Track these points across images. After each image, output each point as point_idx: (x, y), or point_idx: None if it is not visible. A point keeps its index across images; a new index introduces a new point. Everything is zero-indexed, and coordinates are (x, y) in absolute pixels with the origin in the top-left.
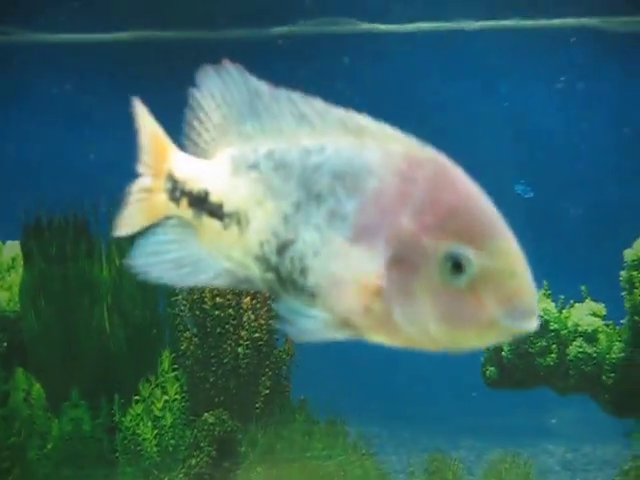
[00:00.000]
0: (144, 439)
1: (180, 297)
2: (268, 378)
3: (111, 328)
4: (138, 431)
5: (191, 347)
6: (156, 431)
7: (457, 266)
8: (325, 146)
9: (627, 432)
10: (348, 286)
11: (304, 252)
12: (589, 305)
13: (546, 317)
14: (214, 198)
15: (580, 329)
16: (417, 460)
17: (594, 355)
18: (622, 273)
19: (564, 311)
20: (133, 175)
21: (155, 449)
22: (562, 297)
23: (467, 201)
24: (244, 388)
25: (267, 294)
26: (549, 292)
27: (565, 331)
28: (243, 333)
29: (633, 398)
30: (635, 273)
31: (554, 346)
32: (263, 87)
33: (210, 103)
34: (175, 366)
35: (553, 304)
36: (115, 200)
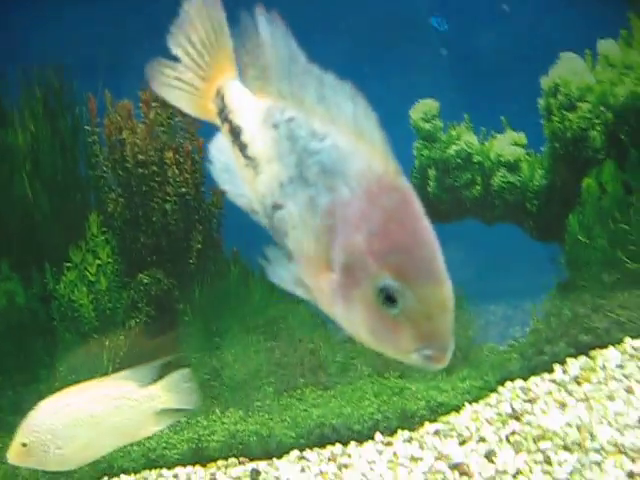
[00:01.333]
0: (80, 305)
1: (101, 158)
2: (199, 233)
3: (34, 196)
4: (73, 297)
5: (118, 208)
6: (92, 296)
7: (389, 298)
8: (326, 136)
9: (553, 257)
10: (309, 264)
11: (287, 220)
12: (510, 135)
13: (469, 150)
14: (244, 138)
15: (502, 159)
16: None
17: (517, 184)
18: (539, 101)
19: (486, 143)
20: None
21: (93, 314)
22: (483, 129)
23: (414, 241)
24: (176, 245)
25: (189, 148)
26: (470, 125)
27: (488, 162)
28: (169, 189)
29: (556, 223)
30: (552, 100)
31: (478, 178)
32: (300, 56)
33: (259, 46)
34: (104, 229)
35: (475, 137)
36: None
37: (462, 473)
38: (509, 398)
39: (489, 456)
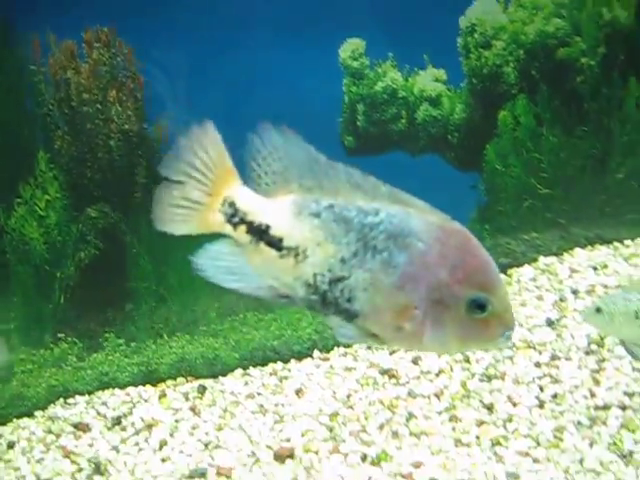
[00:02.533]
0: (31, 238)
1: (47, 97)
2: (143, 168)
3: None
4: (24, 231)
5: (65, 145)
6: (42, 230)
7: (481, 306)
8: (379, 210)
9: (473, 184)
10: (387, 313)
11: (355, 286)
12: (431, 72)
13: (394, 86)
14: (275, 232)
15: (425, 94)
16: None
17: (439, 117)
18: (458, 40)
19: (410, 79)
20: None
21: (43, 247)
22: (407, 66)
23: (482, 263)
24: (121, 180)
25: (131, 86)
26: (394, 63)
27: (412, 97)
28: (113, 126)
29: (475, 153)
30: (470, 39)
31: (403, 112)
32: (320, 156)
33: (272, 154)
34: (52, 166)
35: (399, 74)
36: None
37: (391, 376)
38: None
39: (415, 361)
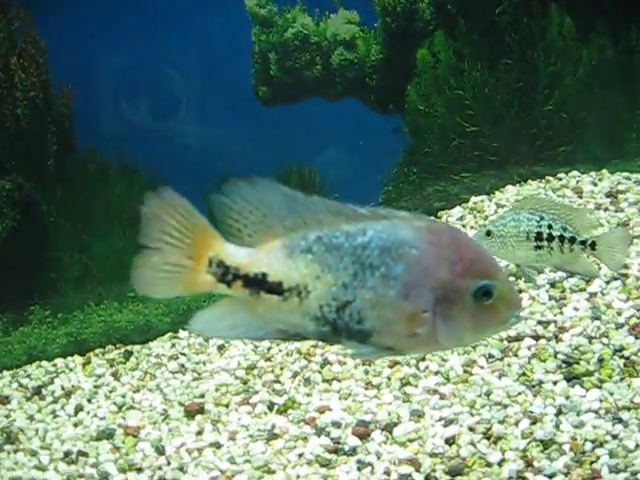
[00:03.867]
0: None
1: None
2: (53, 134)
3: None
4: None
5: None
6: None
7: (487, 293)
8: (366, 229)
9: (395, 128)
10: (399, 325)
11: (362, 307)
12: (343, 14)
13: (305, 32)
14: (273, 278)
15: (339, 38)
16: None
17: (355, 61)
18: None
19: (321, 24)
20: None
21: None
22: (317, 10)
23: (477, 252)
24: (32, 149)
25: (32, 52)
26: (304, 7)
27: (325, 42)
28: (18, 94)
29: (395, 95)
30: None
31: (318, 58)
32: (296, 193)
33: (247, 206)
34: None
35: (310, 18)
36: None
37: None
38: None
39: None
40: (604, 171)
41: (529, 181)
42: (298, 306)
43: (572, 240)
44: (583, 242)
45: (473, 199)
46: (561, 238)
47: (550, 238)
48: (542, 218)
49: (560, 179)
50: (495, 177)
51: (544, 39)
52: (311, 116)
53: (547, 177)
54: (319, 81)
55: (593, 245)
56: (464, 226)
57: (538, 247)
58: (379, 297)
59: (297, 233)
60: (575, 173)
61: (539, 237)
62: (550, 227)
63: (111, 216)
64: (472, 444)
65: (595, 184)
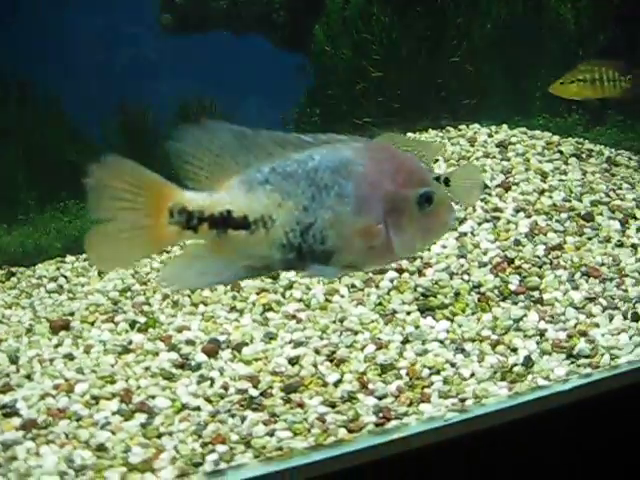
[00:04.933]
0: None
1: None
2: None
3: None
4: None
5: None
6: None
7: (428, 199)
8: (313, 154)
9: (299, 64)
10: (357, 239)
11: (323, 226)
12: None
13: None
14: (237, 214)
15: None
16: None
17: None
18: None
19: None
20: None
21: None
22: None
23: (413, 163)
24: None
25: None
26: None
27: None
28: None
29: (302, 34)
30: None
31: None
32: (244, 129)
33: (198, 149)
34: None
35: None
36: None
37: None
38: None
39: None
40: (504, 126)
41: (429, 130)
42: (265, 237)
43: None
44: (437, 178)
45: None
46: None
47: None
48: None
49: (460, 130)
50: (397, 125)
51: None
52: (214, 48)
53: (448, 128)
54: (225, 13)
55: (447, 181)
56: None
57: None
58: (337, 215)
59: (251, 168)
60: (476, 126)
61: None
62: None
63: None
64: (314, 365)
65: (491, 135)
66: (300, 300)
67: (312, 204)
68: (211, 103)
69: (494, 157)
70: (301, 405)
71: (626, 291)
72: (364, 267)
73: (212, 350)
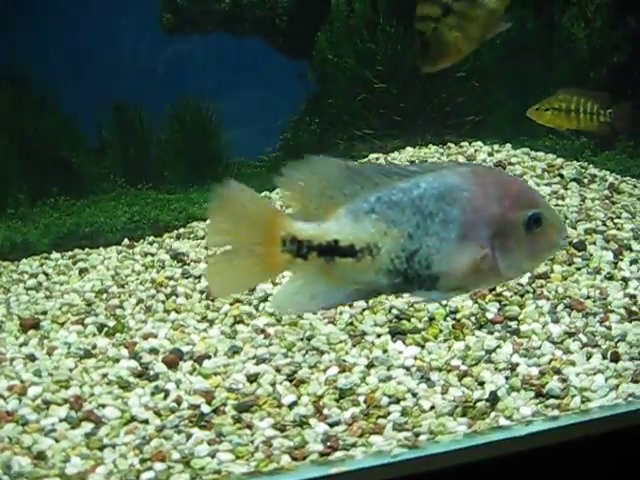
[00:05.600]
0: None
1: None
2: None
3: None
4: None
5: None
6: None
7: (537, 221)
8: (419, 182)
9: (302, 73)
10: (463, 264)
11: (428, 253)
12: None
13: None
14: (344, 243)
15: None
16: None
17: None
18: None
19: None
20: None
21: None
22: None
23: (520, 185)
24: None
25: None
26: None
27: None
28: None
29: (305, 40)
30: None
31: None
32: (349, 162)
33: (307, 183)
34: None
35: None
36: None
37: (179, 260)
38: None
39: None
40: (507, 145)
41: (430, 145)
42: (371, 263)
43: None
44: None
45: (371, 156)
46: None
47: None
48: None
49: (461, 146)
50: (398, 138)
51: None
52: (215, 51)
53: (449, 144)
54: (227, 15)
55: None
56: None
57: None
58: (442, 241)
59: (358, 198)
60: (479, 143)
61: None
62: None
63: None
64: (273, 384)
65: (491, 154)
66: (272, 314)
67: (417, 231)
68: (208, 107)
69: None
70: (250, 426)
71: (609, 328)
72: (472, 288)
73: (173, 361)
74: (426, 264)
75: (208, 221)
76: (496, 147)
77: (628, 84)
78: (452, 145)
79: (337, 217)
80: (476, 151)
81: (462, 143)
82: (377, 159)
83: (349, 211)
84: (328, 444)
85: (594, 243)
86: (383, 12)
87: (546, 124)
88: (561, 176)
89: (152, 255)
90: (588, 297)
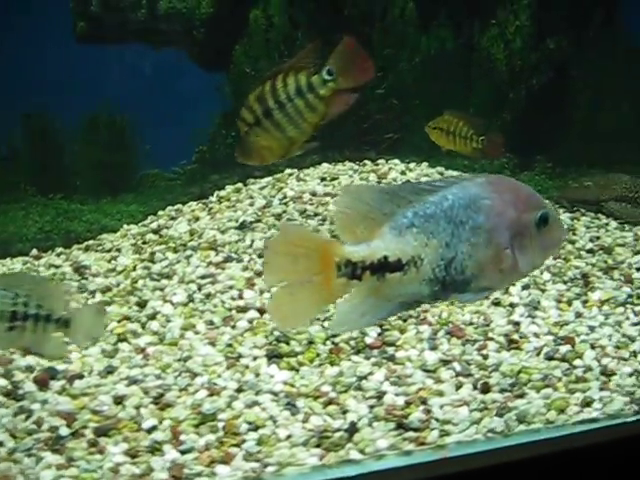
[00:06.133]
0: None
1: None
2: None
3: None
4: None
5: None
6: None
7: (545, 220)
8: (446, 195)
9: (218, 86)
10: (490, 265)
11: (462, 259)
12: None
13: None
14: (393, 258)
15: None
16: None
17: (184, 11)
18: None
19: None
20: None
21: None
22: None
23: (527, 190)
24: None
25: None
26: None
27: None
28: None
29: (222, 53)
30: None
31: (144, 2)
32: (384, 186)
33: (353, 210)
34: None
35: None
36: None
37: (81, 273)
38: (159, 217)
39: (111, 260)
40: (424, 164)
41: (346, 162)
42: (416, 275)
43: (47, 318)
44: (57, 320)
45: (287, 171)
46: (36, 317)
47: (25, 317)
48: (17, 295)
49: (377, 164)
50: (316, 153)
51: (384, 20)
52: (130, 62)
53: (366, 161)
54: (144, 25)
55: (67, 322)
56: (262, 195)
57: (12, 328)
58: (473, 246)
59: (396, 215)
60: (396, 161)
61: (15, 317)
62: (26, 305)
63: None
64: (138, 407)
65: (404, 173)
66: (156, 333)
67: (452, 239)
68: (122, 118)
69: None
70: (102, 451)
71: (486, 357)
72: (497, 287)
73: (43, 380)
74: (461, 270)
75: (264, 260)
76: (412, 165)
77: (547, 105)
78: (368, 162)
79: (382, 235)
80: (390, 169)
81: (379, 161)
82: (291, 175)
83: (392, 228)
84: (172, 473)
85: None
86: (302, 27)
87: (435, 141)
88: None
89: (56, 267)
90: (471, 323)
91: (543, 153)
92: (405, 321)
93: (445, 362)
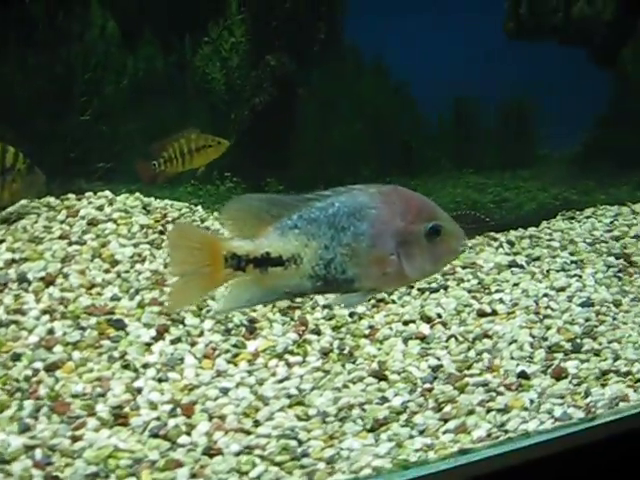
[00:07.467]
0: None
1: None
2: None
3: None
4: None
5: None
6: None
7: (436, 232)
8: (333, 202)
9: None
10: (373, 269)
11: (342, 260)
12: None
13: None
14: (274, 254)
15: None
16: None
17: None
18: None
19: None
20: None
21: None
22: None
23: (420, 202)
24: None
25: None
26: None
27: None
28: None
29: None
30: None
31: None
32: (276, 195)
33: (240, 214)
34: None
35: None
36: None
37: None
38: None
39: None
40: (137, 194)
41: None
42: (296, 271)
43: None
44: None
45: None
46: None
47: None
48: None
49: (80, 198)
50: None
51: (83, 41)
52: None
53: (71, 194)
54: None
55: None
56: None
57: None
58: (353, 250)
59: (283, 218)
60: (107, 193)
61: None
62: None
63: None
64: None
65: (100, 209)
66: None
67: (332, 243)
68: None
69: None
70: None
71: (78, 439)
72: (384, 289)
73: None
74: (341, 270)
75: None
76: (123, 197)
77: (274, 125)
78: (71, 195)
79: (267, 234)
80: (90, 203)
81: (88, 193)
82: None
83: (276, 228)
84: None
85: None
86: None
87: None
88: (162, 232)
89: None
90: (84, 394)
91: (274, 175)
92: None
93: (29, 448)
